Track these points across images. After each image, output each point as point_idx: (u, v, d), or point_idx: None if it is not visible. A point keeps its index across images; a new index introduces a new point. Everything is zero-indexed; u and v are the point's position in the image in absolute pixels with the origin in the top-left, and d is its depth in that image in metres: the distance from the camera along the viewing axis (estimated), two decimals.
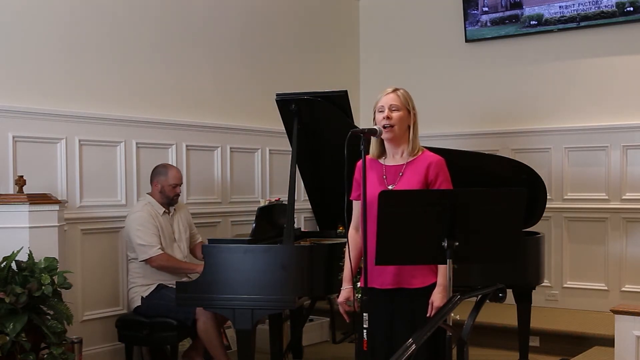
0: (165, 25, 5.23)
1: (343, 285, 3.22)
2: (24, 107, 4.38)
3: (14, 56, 4.38)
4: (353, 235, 3.21)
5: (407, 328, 2.97)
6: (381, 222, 2.63)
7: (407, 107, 3.10)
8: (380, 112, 3.10)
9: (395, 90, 3.13)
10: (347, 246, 3.17)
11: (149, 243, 4.50)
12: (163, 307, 4.44)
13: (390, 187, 3.06)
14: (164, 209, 4.68)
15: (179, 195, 4.76)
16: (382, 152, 3.17)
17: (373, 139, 3.13)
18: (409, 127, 3.10)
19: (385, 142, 3.14)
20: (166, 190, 4.67)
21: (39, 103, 4.47)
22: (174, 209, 4.78)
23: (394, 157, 3.14)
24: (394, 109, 3.07)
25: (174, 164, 5.20)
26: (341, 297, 3.22)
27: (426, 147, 3.21)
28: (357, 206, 3.20)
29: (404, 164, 3.09)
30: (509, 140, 6.22)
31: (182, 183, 4.78)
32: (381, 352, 3.05)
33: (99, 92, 4.81)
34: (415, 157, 3.10)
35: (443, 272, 2.87)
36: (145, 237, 4.50)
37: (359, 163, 3.14)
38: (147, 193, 4.74)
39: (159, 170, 4.73)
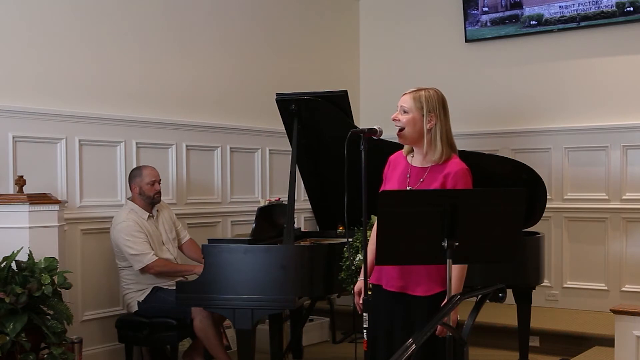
0: (165, 26, 5.23)
1: (361, 276, 3.14)
2: (24, 107, 4.38)
3: (14, 56, 4.38)
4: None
5: (406, 333, 2.93)
6: (381, 222, 2.62)
7: (421, 111, 2.95)
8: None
9: (415, 91, 3.00)
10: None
11: (141, 252, 4.42)
12: (160, 309, 4.43)
13: (408, 188, 2.98)
14: (148, 213, 4.59)
15: (160, 193, 4.65)
16: (412, 149, 3.07)
17: None
18: (428, 130, 2.96)
19: None
20: (145, 191, 4.56)
21: (39, 103, 4.47)
22: (157, 211, 4.70)
23: (418, 158, 3.04)
24: (404, 110, 2.98)
25: (174, 164, 5.21)
26: (357, 287, 3.12)
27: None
28: None
29: (427, 168, 3.00)
30: (509, 140, 6.22)
31: (159, 180, 4.65)
32: (381, 351, 3.04)
33: (99, 92, 4.81)
34: (439, 162, 2.98)
35: (453, 284, 2.75)
36: (136, 247, 4.42)
37: (391, 157, 3.13)
38: (128, 198, 4.67)
39: (133, 173, 4.64)
